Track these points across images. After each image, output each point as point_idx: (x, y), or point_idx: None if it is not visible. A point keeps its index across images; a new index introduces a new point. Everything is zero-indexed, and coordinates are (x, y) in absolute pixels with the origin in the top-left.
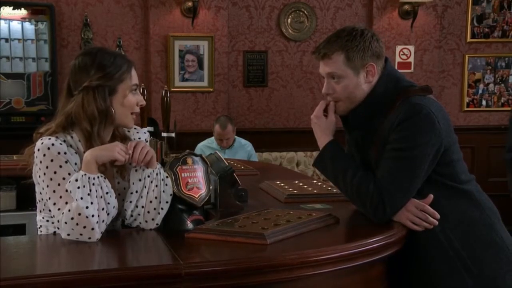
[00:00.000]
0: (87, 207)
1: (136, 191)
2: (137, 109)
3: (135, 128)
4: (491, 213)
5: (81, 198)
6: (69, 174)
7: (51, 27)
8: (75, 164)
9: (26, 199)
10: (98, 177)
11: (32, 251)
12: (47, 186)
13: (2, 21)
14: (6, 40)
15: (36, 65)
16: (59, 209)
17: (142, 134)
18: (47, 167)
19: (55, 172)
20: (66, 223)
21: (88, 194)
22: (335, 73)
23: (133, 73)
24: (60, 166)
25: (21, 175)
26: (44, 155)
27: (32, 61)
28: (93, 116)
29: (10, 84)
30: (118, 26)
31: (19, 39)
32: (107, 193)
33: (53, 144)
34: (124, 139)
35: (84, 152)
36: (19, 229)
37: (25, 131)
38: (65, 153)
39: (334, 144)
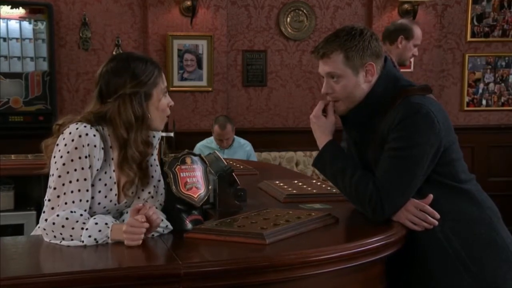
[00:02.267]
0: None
1: None
2: (169, 111)
3: None
4: (491, 212)
5: (82, 241)
6: (83, 168)
7: (49, 26)
8: (98, 160)
9: (24, 199)
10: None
11: (31, 251)
12: (57, 169)
13: (0, 20)
14: (4, 39)
15: (34, 65)
16: (52, 208)
17: (156, 133)
18: (68, 152)
19: (72, 160)
20: (53, 224)
21: (89, 236)
22: (334, 73)
23: (163, 76)
24: (80, 158)
25: (19, 174)
26: (73, 140)
27: (30, 61)
28: (130, 123)
29: (8, 83)
30: (116, 25)
31: (17, 38)
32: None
33: (87, 134)
34: (147, 145)
35: (111, 147)
36: (17, 229)
37: (23, 130)
38: (94, 145)
39: (334, 144)
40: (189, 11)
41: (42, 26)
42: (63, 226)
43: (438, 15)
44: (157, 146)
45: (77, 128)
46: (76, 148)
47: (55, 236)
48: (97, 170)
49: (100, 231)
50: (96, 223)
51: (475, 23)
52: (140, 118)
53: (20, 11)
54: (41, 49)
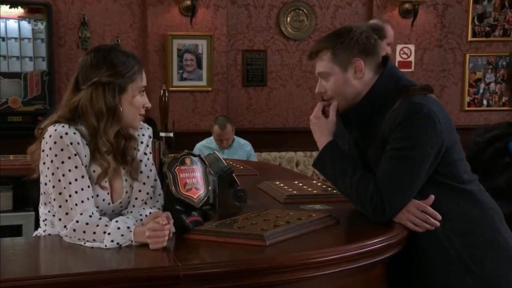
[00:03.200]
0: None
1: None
2: (143, 111)
3: None
4: (494, 213)
5: (105, 245)
6: (76, 167)
7: (48, 26)
8: (85, 156)
9: (23, 200)
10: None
11: (29, 252)
12: (52, 174)
13: None
14: (3, 39)
15: (33, 64)
16: (67, 213)
17: (145, 130)
18: (56, 155)
19: (62, 162)
20: (74, 230)
21: (112, 241)
22: (323, 72)
23: (143, 74)
24: (69, 158)
25: (18, 175)
26: (55, 142)
27: (29, 60)
28: (101, 112)
29: (7, 83)
30: (116, 25)
31: (16, 38)
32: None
33: (66, 133)
34: (129, 138)
35: (87, 145)
36: (16, 230)
37: (22, 130)
38: (78, 143)
39: (334, 144)
40: (189, 10)
41: (41, 25)
42: (84, 232)
43: (439, 15)
44: (149, 144)
45: (55, 130)
46: (62, 149)
47: (79, 239)
48: (86, 166)
49: (122, 235)
50: (119, 228)
51: (476, 22)
52: (111, 109)
53: (19, 10)
54: (40, 49)
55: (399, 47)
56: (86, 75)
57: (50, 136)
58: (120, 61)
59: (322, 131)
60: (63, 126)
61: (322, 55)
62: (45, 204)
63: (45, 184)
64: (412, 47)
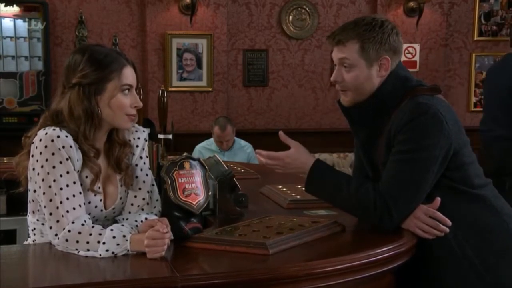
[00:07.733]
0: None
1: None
2: (131, 111)
3: (133, 126)
4: (509, 219)
5: (100, 254)
6: (68, 172)
7: (45, 24)
8: (77, 160)
9: (17, 204)
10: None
11: (21, 262)
12: (42, 180)
13: None
14: None
15: (29, 64)
16: (58, 221)
17: (141, 133)
18: (46, 160)
19: (53, 167)
20: (67, 240)
21: (107, 250)
22: (347, 60)
23: (126, 72)
24: (60, 162)
25: (12, 178)
26: (46, 146)
27: (25, 60)
28: (78, 116)
29: (2, 83)
30: (114, 24)
31: (11, 37)
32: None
33: (58, 136)
34: (124, 145)
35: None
36: (9, 235)
37: (17, 132)
38: (70, 146)
39: (320, 162)
40: (189, 9)
41: (38, 24)
42: (77, 242)
43: (444, 13)
44: (145, 147)
45: (46, 133)
46: (53, 154)
47: (71, 249)
48: (78, 172)
49: (118, 244)
50: (114, 237)
51: (483, 21)
52: (88, 112)
53: (15, 9)
54: (36, 48)
55: (403, 46)
56: (66, 77)
57: (41, 140)
58: (95, 60)
59: (300, 155)
60: (54, 129)
61: (350, 44)
62: (33, 212)
63: (34, 191)
64: (417, 46)
